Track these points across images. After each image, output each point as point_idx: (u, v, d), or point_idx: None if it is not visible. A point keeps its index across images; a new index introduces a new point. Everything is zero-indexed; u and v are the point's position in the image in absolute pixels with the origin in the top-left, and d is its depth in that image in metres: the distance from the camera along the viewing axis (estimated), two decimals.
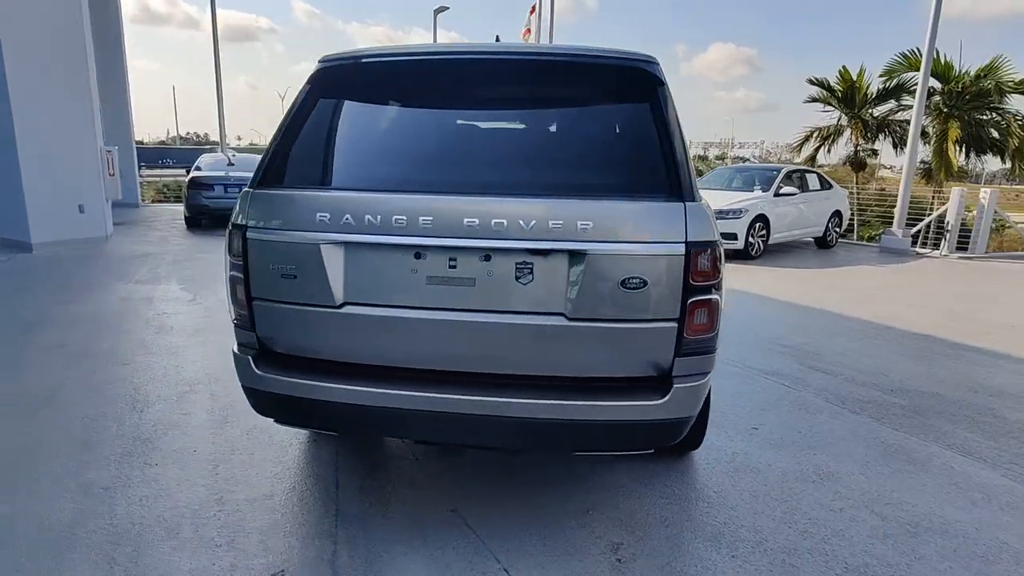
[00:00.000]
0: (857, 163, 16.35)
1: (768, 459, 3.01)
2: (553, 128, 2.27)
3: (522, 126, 2.33)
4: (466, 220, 1.90)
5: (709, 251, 1.93)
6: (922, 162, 14.64)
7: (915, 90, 12.24)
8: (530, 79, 2.17)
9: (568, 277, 1.95)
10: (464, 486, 2.68)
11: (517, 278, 1.95)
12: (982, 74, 12.90)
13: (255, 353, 2.17)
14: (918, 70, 11.34)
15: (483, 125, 2.36)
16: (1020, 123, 12.93)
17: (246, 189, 2.16)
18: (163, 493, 2.56)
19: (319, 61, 2.34)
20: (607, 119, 2.17)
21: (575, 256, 1.93)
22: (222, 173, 11.51)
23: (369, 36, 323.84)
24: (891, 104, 15.28)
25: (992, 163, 16.16)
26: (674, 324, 1.95)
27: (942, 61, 13.10)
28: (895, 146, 16.12)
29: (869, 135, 15.82)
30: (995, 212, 10.90)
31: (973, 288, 7.93)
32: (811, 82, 16.23)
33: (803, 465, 2.96)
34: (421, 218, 1.92)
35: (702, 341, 2.00)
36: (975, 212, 10.81)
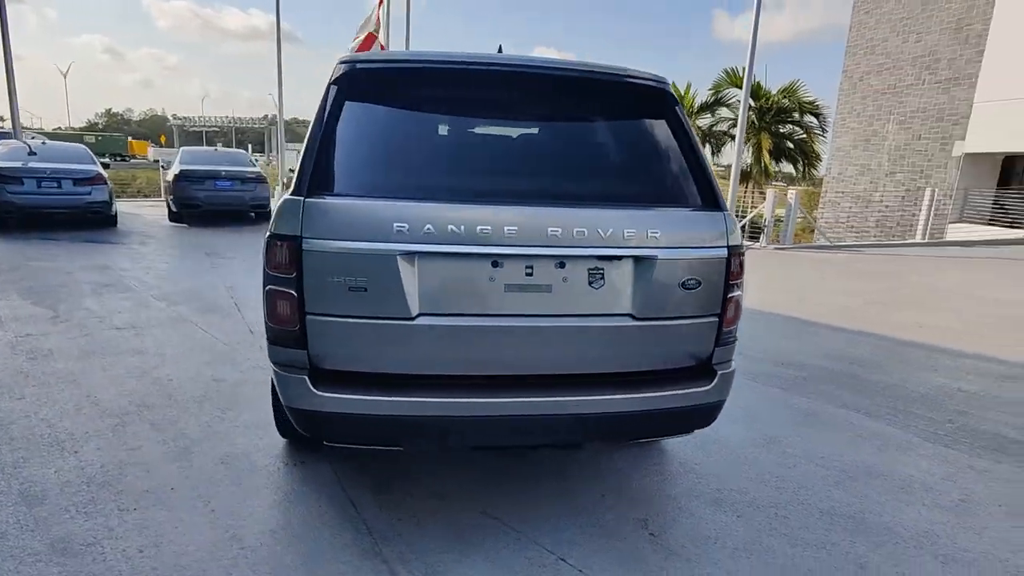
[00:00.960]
0: None
1: (722, 431, 3.45)
2: (600, 141, 2.40)
3: (573, 139, 2.43)
4: (550, 229, 1.99)
5: (741, 254, 2.24)
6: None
7: (731, 103, 14.24)
8: (574, 94, 2.28)
9: (636, 280, 2.13)
10: (481, 488, 2.72)
11: (590, 283, 2.08)
12: (784, 95, 15.47)
13: (310, 372, 2.03)
14: (739, 86, 13.25)
15: (540, 137, 2.42)
16: (816, 135, 15.76)
17: (293, 197, 1.99)
18: (163, 539, 2.26)
19: (341, 62, 2.22)
20: (646, 134, 2.36)
21: (644, 260, 2.12)
22: (26, 164, 9.77)
23: (167, 10, 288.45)
24: (711, 116, 17.68)
25: (786, 168, 19.41)
26: (716, 318, 2.23)
27: (754, 80, 15.43)
28: (713, 153, 18.68)
29: None
30: (799, 210, 13.18)
31: (798, 274, 9.52)
32: None
33: (751, 433, 3.47)
34: (506, 227, 1.96)
35: (732, 332, 2.31)
36: (784, 210, 12.95)
